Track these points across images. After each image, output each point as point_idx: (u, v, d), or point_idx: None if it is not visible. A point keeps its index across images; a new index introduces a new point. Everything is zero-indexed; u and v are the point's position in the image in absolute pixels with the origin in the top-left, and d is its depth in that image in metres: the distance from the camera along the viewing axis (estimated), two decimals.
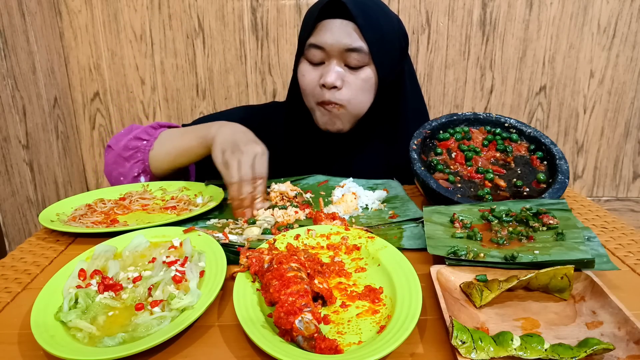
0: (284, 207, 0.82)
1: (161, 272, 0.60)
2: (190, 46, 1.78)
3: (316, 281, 0.55)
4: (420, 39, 1.78)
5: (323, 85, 0.94)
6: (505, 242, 0.65)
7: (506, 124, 0.93)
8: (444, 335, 0.50)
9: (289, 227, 0.74)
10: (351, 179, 0.96)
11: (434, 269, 0.59)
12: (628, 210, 1.98)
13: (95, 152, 1.92)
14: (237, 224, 0.78)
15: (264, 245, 0.64)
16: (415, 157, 0.85)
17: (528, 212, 0.70)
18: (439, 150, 0.89)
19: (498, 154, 0.89)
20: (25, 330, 0.52)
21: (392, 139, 1.05)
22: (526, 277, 0.55)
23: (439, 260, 0.62)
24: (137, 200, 0.89)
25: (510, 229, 0.68)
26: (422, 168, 0.84)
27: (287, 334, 0.49)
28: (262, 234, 0.73)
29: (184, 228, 0.71)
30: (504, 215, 0.71)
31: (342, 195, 0.87)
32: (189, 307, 0.53)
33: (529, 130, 0.91)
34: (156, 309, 0.53)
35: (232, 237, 0.71)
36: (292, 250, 0.62)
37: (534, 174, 0.85)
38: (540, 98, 1.85)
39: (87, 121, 1.88)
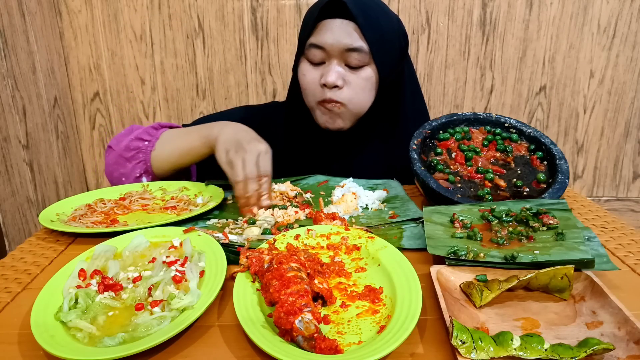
0: (284, 207, 0.82)
1: (161, 272, 0.60)
2: (190, 46, 1.78)
3: (316, 281, 0.55)
4: (420, 39, 1.78)
5: (324, 85, 0.94)
6: (505, 242, 0.65)
7: (506, 124, 0.93)
8: (444, 335, 0.50)
9: (289, 227, 0.74)
10: (351, 179, 0.96)
11: (434, 269, 0.59)
12: (628, 210, 1.98)
13: (95, 152, 1.92)
14: (237, 224, 0.78)
15: (264, 245, 0.64)
16: (415, 157, 0.85)
17: (528, 212, 0.70)
18: (439, 150, 0.89)
19: (498, 154, 0.89)
20: (25, 330, 0.52)
21: (392, 138, 1.05)
22: (526, 277, 0.55)
23: (439, 260, 0.62)
24: (137, 200, 0.89)
25: (510, 229, 0.68)
26: (422, 168, 0.84)
27: (287, 334, 0.49)
28: (262, 234, 0.73)
29: (184, 228, 0.71)
30: (504, 215, 0.71)
31: (342, 195, 0.87)
32: (189, 307, 0.53)
33: (529, 130, 0.91)
34: (156, 309, 0.53)
35: (232, 237, 0.71)
36: (292, 250, 0.62)
37: (534, 174, 0.85)
38: (540, 98, 1.85)
39: (87, 121, 1.88)
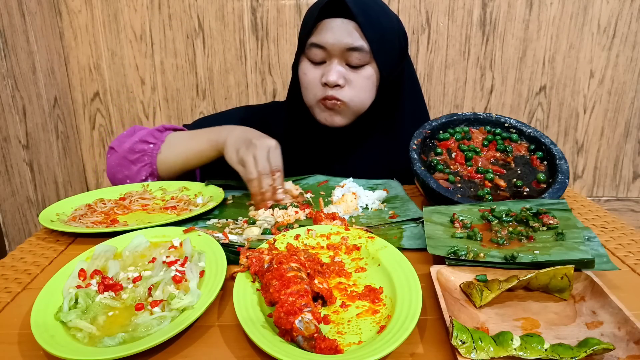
0: (284, 207, 0.82)
1: (161, 272, 0.60)
2: (190, 46, 1.78)
3: (316, 281, 0.55)
4: (420, 39, 1.78)
5: (325, 84, 0.94)
6: (505, 242, 0.65)
7: (506, 124, 0.93)
8: (444, 335, 0.50)
9: (289, 227, 0.74)
10: (351, 179, 0.96)
11: (434, 269, 0.59)
12: (628, 210, 1.98)
13: (95, 152, 1.92)
14: (237, 224, 0.78)
15: (264, 245, 0.64)
16: (415, 157, 0.85)
17: (528, 212, 0.70)
18: (439, 150, 0.89)
19: (498, 154, 0.89)
20: (25, 330, 0.52)
21: (392, 138, 1.05)
22: (526, 277, 0.55)
23: (439, 260, 0.62)
24: (137, 200, 0.89)
25: (510, 229, 0.68)
26: (422, 168, 0.84)
27: (287, 334, 0.49)
28: (262, 234, 0.73)
29: (184, 228, 0.71)
30: (504, 215, 0.71)
31: (342, 195, 0.87)
32: (189, 307, 0.53)
33: (529, 130, 0.91)
34: (156, 309, 0.53)
35: (232, 237, 0.71)
36: (292, 250, 0.62)
37: (534, 174, 0.85)
38: (540, 98, 1.85)
39: (87, 121, 1.88)
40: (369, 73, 0.95)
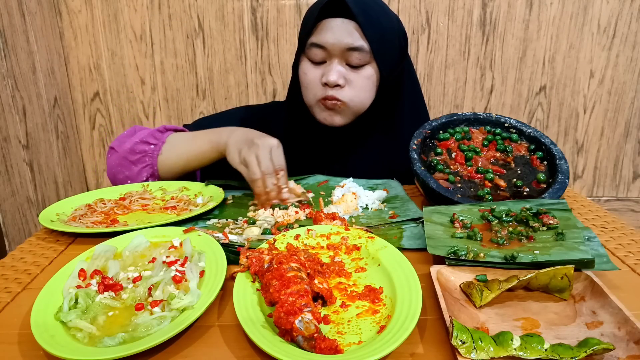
0: (285, 207, 0.82)
1: (161, 272, 0.60)
2: (190, 46, 1.78)
3: (316, 281, 0.55)
4: (420, 39, 1.78)
5: (325, 84, 0.94)
6: (505, 242, 0.65)
7: (506, 124, 0.93)
8: (444, 335, 0.50)
9: (289, 227, 0.74)
10: (351, 179, 0.96)
11: (434, 269, 0.59)
12: (628, 210, 1.98)
13: (95, 152, 1.92)
14: (237, 224, 0.78)
15: (264, 245, 0.64)
16: (415, 157, 0.85)
17: (528, 212, 0.70)
18: (439, 150, 0.89)
19: (498, 154, 0.89)
20: (25, 330, 0.52)
21: (392, 138, 1.05)
22: (526, 277, 0.55)
23: (439, 260, 0.62)
24: (137, 200, 0.89)
25: (510, 229, 0.68)
26: (422, 168, 0.84)
27: (287, 334, 0.49)
28: (262, 234, 0.73)
29: (184, 228, 0.71)
30: (504, 215, 0.71)
31: (342, 195, 0.87)
32: (189, 307, 0.53)
33: (529, 130, 0.91)
34: (156, 309, 0.53)
35: (232, 237, 0.71)
36: (292, 250, 0.62)
37: (534, 174, 0.85)
38: (540, 98, 1.85)
39: (87, 121, 1.88)
40: (369, 73, 0.95)
